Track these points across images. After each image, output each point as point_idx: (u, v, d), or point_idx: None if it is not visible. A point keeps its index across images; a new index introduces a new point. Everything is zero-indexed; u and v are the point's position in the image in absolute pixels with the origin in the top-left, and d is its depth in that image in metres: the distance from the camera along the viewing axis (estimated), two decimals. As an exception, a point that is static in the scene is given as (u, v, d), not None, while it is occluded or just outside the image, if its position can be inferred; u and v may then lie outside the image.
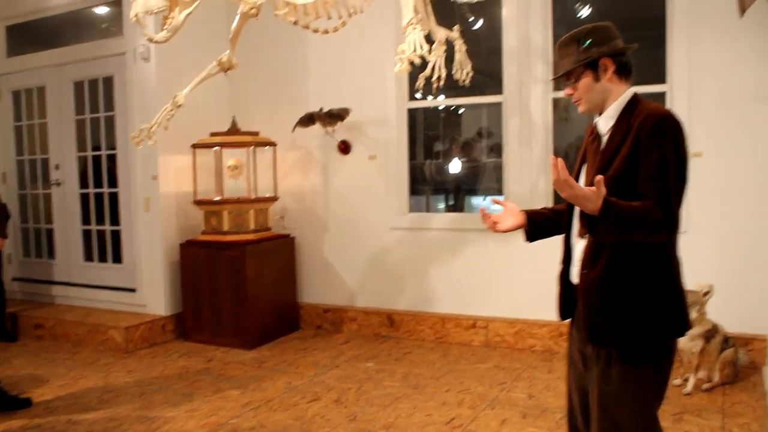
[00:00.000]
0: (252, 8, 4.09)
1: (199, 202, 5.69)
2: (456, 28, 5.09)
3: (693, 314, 4.05)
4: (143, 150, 5.32)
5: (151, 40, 3.95)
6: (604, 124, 2.22)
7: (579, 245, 2.23)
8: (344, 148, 5.87)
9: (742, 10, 1.91)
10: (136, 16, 3.79)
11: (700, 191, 4.64)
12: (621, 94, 2.21)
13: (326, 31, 4.50)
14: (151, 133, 4.60)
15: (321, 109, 5.68)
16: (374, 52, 5.62)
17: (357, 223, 5.90)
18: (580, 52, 2.21)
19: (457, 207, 6.22)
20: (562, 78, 2.27)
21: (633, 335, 2.10)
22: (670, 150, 2.04)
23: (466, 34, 5.23)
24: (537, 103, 5.17)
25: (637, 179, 2.06)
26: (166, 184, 5.77)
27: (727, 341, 4.18)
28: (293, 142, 6.05)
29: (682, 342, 4.10)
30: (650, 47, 4.89)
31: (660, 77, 4.81)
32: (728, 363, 4.16)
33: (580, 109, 2.27)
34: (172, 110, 4.64)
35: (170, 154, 5.74)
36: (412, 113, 5.85)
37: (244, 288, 5.44)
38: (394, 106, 5.66)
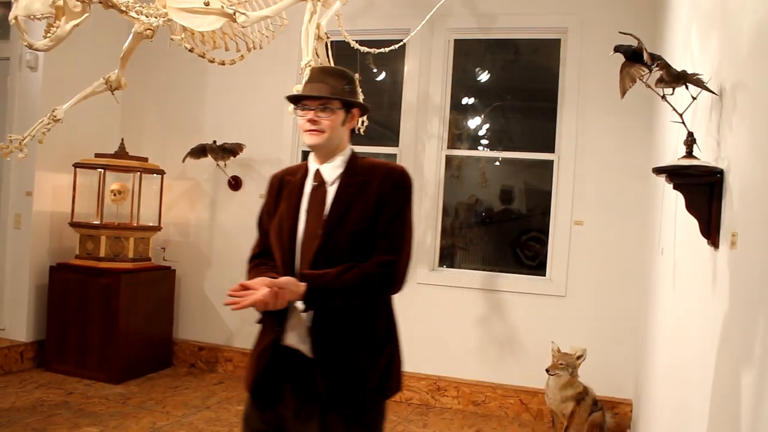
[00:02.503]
0: (147, 29, 3.96)
1: (75, 224, 5.40)
2: (356, 76, 5.14)
3: (566, 376, 4.21)
4: (19, 163, 5.01)
5: (30, 46, 3.66)
6: (330, 172, 2.23)
7: (300, 311, 2.15)
8: (235, 183, 5.78)
9: (623, 91, 2.08)
10: (15, 18, 3.49)
11: (580, 258, 4.91)
12: (345, 148, 2.27)
13: (223, 63, 4.46)
14: (23, 146, 4.30)
15: (214, 142, 5.58)
16: (274, 91, 5.58)
17: (241, 261, 5.69)
18: (345, 90, 2.22)
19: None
20: (316, 101, 2.16)
21: (374, 393, 2.14)
22: (408, 205, 2.17)
23: (370, 85, 5.31)
24: (430, 159, 5.30)
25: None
26: (41, 202, 5.44)
27: (596, 404, 4.35)
28: (183, 172, 5.89)
29: (555, 404, 4.25)
30: (544, 117, 5.15)
31: (550, 147, 5.06)
32: (596, 426, 4.32)
33: (316, 140, 2.18)
34: (48, 124, 4.38)
35: (49, 171, 5.44)
36: (308, 156, 5.83)
37: (115, 318, 5.17)
38: (289, 147, 5.64)
